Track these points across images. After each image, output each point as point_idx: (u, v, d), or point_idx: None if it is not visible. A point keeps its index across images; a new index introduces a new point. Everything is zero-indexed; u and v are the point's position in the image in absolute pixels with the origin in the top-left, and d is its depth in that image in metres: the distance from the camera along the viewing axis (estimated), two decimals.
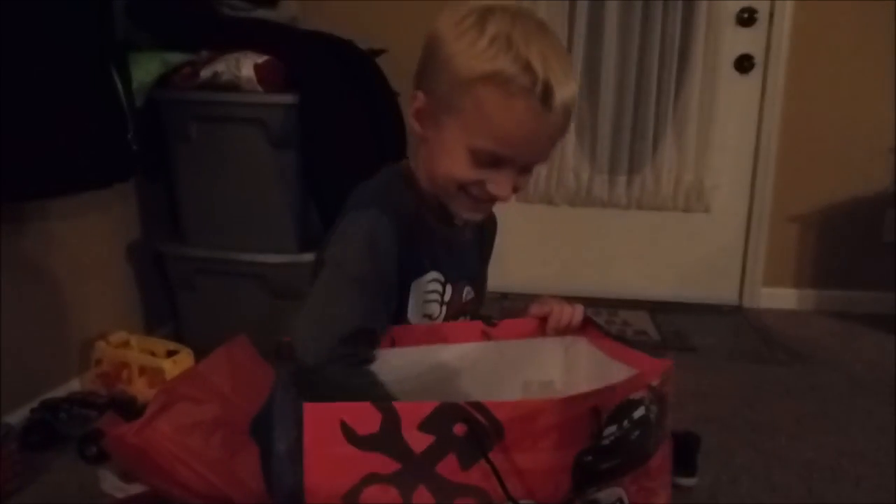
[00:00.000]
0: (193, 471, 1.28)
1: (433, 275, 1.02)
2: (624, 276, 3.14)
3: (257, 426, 1.13)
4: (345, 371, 0.87)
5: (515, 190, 0.98)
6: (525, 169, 0.97)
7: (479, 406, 0.74)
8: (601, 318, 2.85)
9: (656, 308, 3.01)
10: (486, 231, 1.18)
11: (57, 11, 1.72)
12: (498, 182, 0.95)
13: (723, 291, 3.10)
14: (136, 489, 1.49)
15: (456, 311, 1.08)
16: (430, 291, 1.02)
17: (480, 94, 0.89)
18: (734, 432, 1.92)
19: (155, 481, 1.37)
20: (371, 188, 1.03)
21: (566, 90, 0.90)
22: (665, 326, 2.80)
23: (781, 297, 3.05)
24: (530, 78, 0.87)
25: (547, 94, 0.88)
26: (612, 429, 0.81)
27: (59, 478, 1.67)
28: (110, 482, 1.53)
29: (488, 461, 0.74)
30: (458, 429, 0.74)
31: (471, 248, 1.12)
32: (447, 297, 1.05)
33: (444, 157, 0.96)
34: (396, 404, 0.74)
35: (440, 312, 1.05)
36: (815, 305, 3.03)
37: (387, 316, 0.97)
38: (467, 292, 1.10)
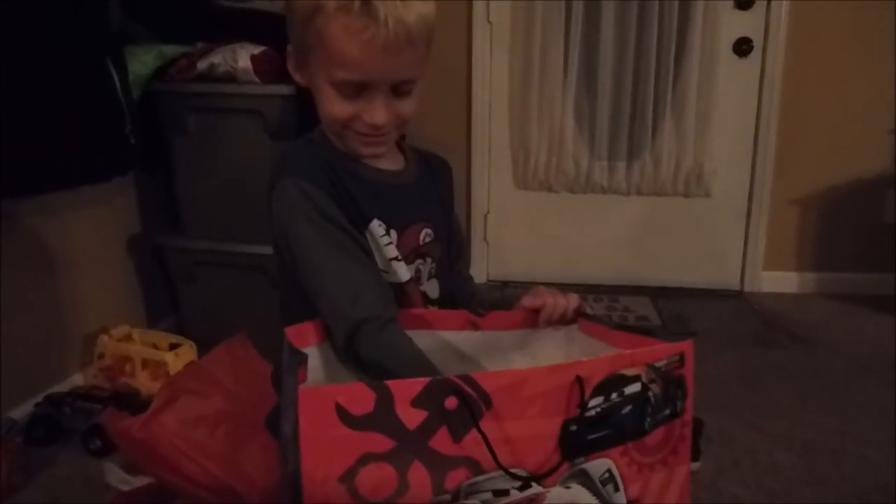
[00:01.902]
0: (198, 464, 1.29)
1: (376, 222, 1.03)
2: (624, 262, 3.14)
3: (272, 419, 1.13)
4: (380, 334, 0.92)
5: (402, 119, 1.01)
6: (398, 92, 0.98)
7: (467, 378, 0.77)
8: (602, 305, 2.85)
9: (657, 293, 3.01)
10: (434, 172, 1.17)
11: (52, 6, 1.71)
12: (370, 110, 0.97)
13: (724, 275, 3.10)
14: (140, 482, 1.50)
15: (411, 253, 1.08)
16: (382, 236, 1.04)
17: (315, 28, 0.94)
18: (736, 415, 1.93)
19: (159, 474, 1.37)
20: (281, 159, 1.06)
21: (396, 7, 0.92)
22: (666, 311, 2.80)
23: (782, 281, 3.05)
24: None
25: (366, 9, 0.91)
26: (599, 400, 0.83)
27: (64, 471, 1.67)
28: (115, 475, 1.54)
29: (479, 430, 0.76)
30: (449, 402, 0.76)
31: (417, 191, 1.11)
32: (395, 242, 1.05)
33: (320, 99, 1.00)
34: (389, 382, 0.75)
35: (398, 254, 1.06)
36: (816, 288, 3.03)
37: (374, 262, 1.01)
38: (426, 234, 1.10)
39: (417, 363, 0.91)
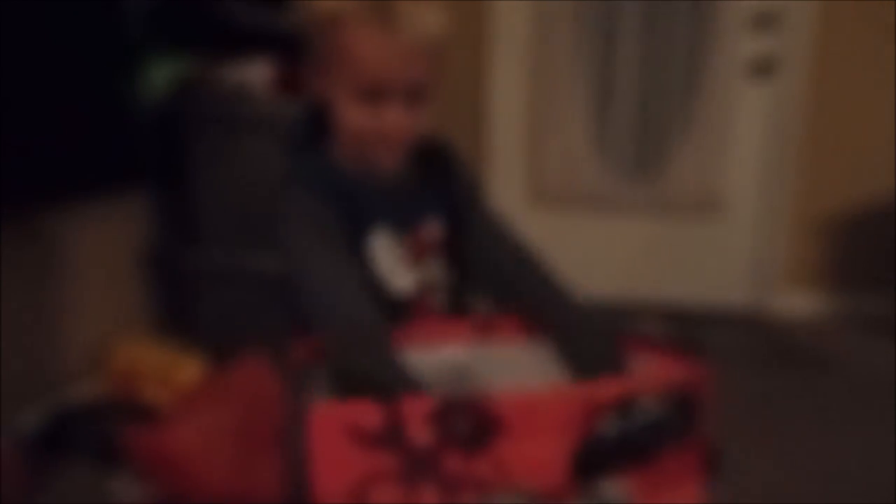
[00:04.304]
0: (212, 476, 1.29)
1: (379, 229, 1.06)
2: (639, 279, 3.12)
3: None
4: (370, 344, 0.92)
5: (417, 126, 1.04)
6: (414, 98, 1.01)
7: (478, 397, 0.77)
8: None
9: (671, 313, 2.99)
10: (441, 164, 1.17)
11: (70, 18, 1.73)
12: (390, 116, 1.00)
13: (739, 296, 3.07)
14: (150, 494, 1.49)
15: (420, 253, 1.10)
16: (384, 243, 1.06)
17: (338, 37, 0.98)
18: (749, 438, 1.90)
19: (173, 485, 1.37)
20: (287, 169, 1.09)
21: (415, 13, 0.97)
22: (680, 331, 2.78)
23: (799, 302, 3.02)
24: (368, 4, 0.96)
25: (390, 16, 0.95)
26: (616, 422, 0.83)
27: (72, 483, 1.67)
28: (123, 487, 1.54)
29: (490, 450, 0.76)
30: (461, 421, 0.76)
31: (423, 189, 1.13)
32: (404, 245, 1.08)
33: (339, 109, 1.02)
34: (400, 400, 0.75)
35: (403, 260, 1.08)
36: (833, 310, 3.00)
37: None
38: (436, 231, 1.12)
39: (402, 377, 0.90)
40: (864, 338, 2.75)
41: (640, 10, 2.86)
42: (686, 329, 2.81)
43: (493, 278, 1.13)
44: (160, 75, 2.11)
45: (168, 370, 1.99)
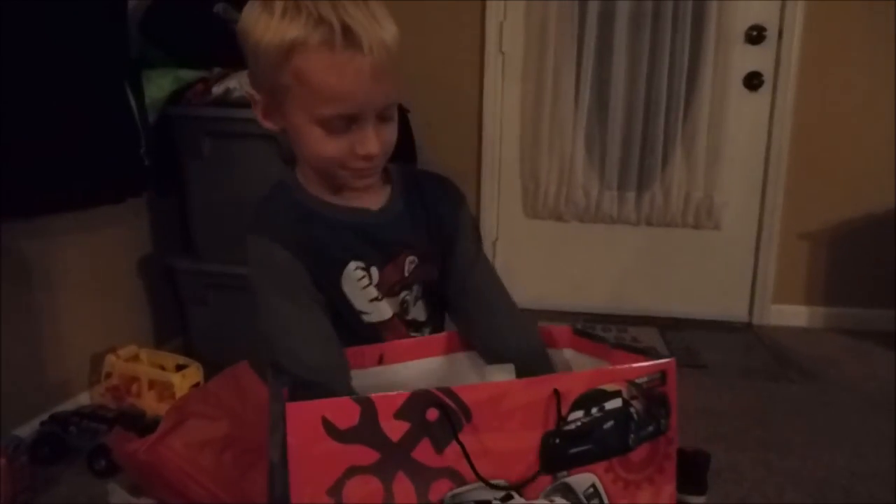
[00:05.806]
0: (203, 488, 1.29)
1: (354, 264, 1.03)
2: (633, 292, 3.13)
3: None
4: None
5: (389, 145, 0.99)
6: (382, 118, 0.96)
7: (447, 391, 0.79)
8: (610, 335, 2.84)
9: (666, 325, 2.99)
10: (427, 195, 1.11)
11: (72, 29, 1.74)
12: (363, 142, 0.95)
13: (733, 308, 3.08)
14: (144, 503, 1.49)
15: (396, 285, 1.08)
16: (360, 279, 1.04)
17: (294, 66, 0.90)
18: (744, 450, 1.91)
19: (165, 497, 1.38)
20: (253, 211, 1.06)
21: (374, 30, 0.90)
22: (675, 343, 2.79)
23: (792, 315, 3.03)
24: (326, 29, 0.88)
25: (349, 38, 0.88)
26: (579, 414, 0.84)
27: (69, 491, 1.67)
28: (119, 496, 1.54)
29: (458, 442, 0.78)
30: (431, 414, 0.78)
31: (399, 221, 1.08)
32: (376, 280, 1.05)
33: (305, 140, 0.97)
34: (373, 396, 0.76)
35: (378, 294, 1.06)
36: (826, 323, 3.01)
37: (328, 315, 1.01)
38: (410, 262, 1.07)
39: None
40: (859, 350, 2.75)
41: (635, 27, 2.88)
42: (681, 341, 2.81)
43: (469, 321, 1.11)
44: (159, 85, 2.12)
45: (164, 380, 1.99)
